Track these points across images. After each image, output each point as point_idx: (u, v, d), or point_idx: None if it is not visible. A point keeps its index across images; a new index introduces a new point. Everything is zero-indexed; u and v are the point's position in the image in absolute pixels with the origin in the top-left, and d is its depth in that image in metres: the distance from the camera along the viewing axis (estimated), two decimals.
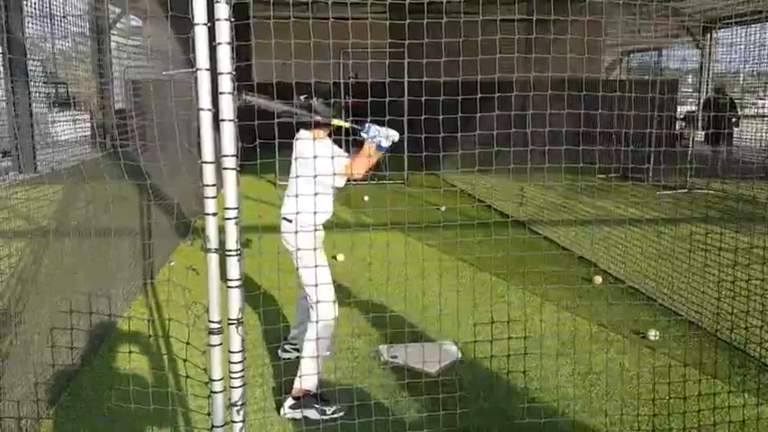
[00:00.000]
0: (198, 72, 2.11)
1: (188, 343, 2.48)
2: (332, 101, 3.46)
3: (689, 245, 4.07)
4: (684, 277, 4.76)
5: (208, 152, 2.17)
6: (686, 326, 4.48)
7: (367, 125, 3.42)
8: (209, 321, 2.26)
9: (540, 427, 3.21)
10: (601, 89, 3.68)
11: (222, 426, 2.32)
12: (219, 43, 2.11)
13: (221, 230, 2.20)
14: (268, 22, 2.81)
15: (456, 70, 3.49)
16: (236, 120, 2.18)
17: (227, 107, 2.16)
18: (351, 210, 7.61)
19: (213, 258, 2.20)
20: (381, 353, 4.13)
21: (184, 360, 2.53)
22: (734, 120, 11.53)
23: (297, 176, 3.15)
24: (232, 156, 2.17)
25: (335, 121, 3.44)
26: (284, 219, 3.51)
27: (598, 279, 5.58)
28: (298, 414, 3.39)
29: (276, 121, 2.67)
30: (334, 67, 3.13)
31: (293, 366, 3.60)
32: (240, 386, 2.29)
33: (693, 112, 13.46)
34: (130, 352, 3.86)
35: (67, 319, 3.34)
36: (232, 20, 2.12)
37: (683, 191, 9.80)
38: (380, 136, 3.39)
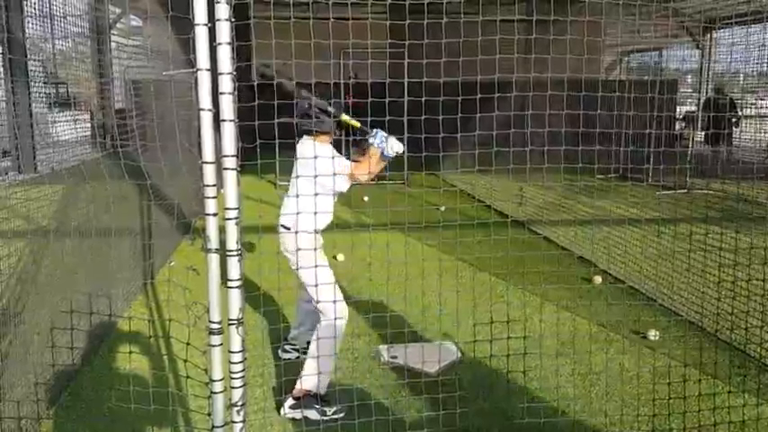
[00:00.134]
0: (198, 72, 2.11)
1: (188, 343, 2.49)
2: (332, 100, 3.47)
3: (689, 245, 4.07)
4: (684, 277, 4.76)
5: (208, 152, 2.17)
6: (686, 326, 4.48)
7: (375, 130, 3.43)
8: (210, 321, 2.26)
9: (539, 427, 3.21)
10: (600, 89, 3.69)
11: (222, 426, 2.32)
12: (220, 43, 2.11)
13: (222, 231, 2.20)
14: (268, 23, 2.82)
15: (456, 70, 3.49)
16: (237, 120, 2.18)
17: (228, 107, 2.16)
18: (351, 210, 7.61)
19: (214, 258, 2.21)
20: (381, 353, 4.13)
21: (185, 360, 2.53)
22: (734, 120, 11.53)
23: (297, 177, 3.15)
24: (232, 156, 2.17)
25: (345, 117, 3.44)
26: (282, 226, 3.50)
27: (598, 279, 5.58)
28: (298, 414, 3.39)
29: (276, 121, 2.67)
30: (335, 68, 3.13)
31: (293, 366, 3.61)
32: (240, 386, 2.29)
33: (693, 112, 13.46)
34: (131, 352, 3.86)
35: (68, 319, 3.34)
36: (232, 20, 2.12)
37: (682, 191, 9.79)
38: (386, 144, 3.40)
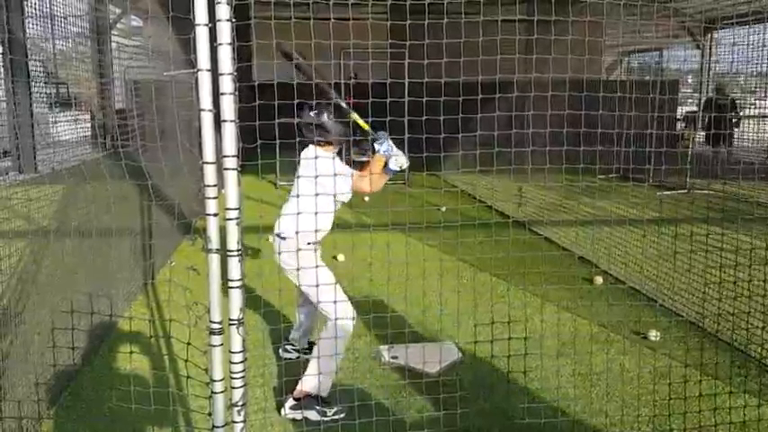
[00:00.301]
0: (199, 73, 2.11)
1: (189, 343, 2.49)
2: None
3: (690, 245, 4.06)
4: (685, 278, 4.75)
5: (209, 153, 2.17)
6: (687, 326, 4.48)
7: (382, 134, 3.41)
8: (210, 321, 2.26)
9: (540, 428, 3.21)
10: (601, 90, 3.68)
11: (223, 426, 2.32)
12: (220, 44, 2.11)
13: (222, 231, 2.20)
14: (269, 23, 2.81)
15: (457, 71, 3.49)
16: (237, 120, 2.18)
17: (228, 108, 2.16)
18: (351, 210, 7.60)
19: (214, 259, 2.21)
20: (382, 353, 4.13)
21: (185, 360, 2.53)
22: (734, 120, 11.52)
23: (298, 195, 3.13)
24: (233, 156, 2.17)
25: (354, 116, 3.43)
26: (278, 236, 3.48)
27: (599, 279, 5.58)
28: (298, 415, 3.39)
29: (276, 121, 2.67)
30: (335, 68, 3.13)
31: (294, 367, 3.60)
32: (241, 386, 2.29)
33: (694, 112, 13.45)
34: (131, 352, 3.86)
35: (68, 319, 3.34)
36: (233, 20, 2.12)
37: (683, 191, 9.79)
38: (392, 154, 3.39)
